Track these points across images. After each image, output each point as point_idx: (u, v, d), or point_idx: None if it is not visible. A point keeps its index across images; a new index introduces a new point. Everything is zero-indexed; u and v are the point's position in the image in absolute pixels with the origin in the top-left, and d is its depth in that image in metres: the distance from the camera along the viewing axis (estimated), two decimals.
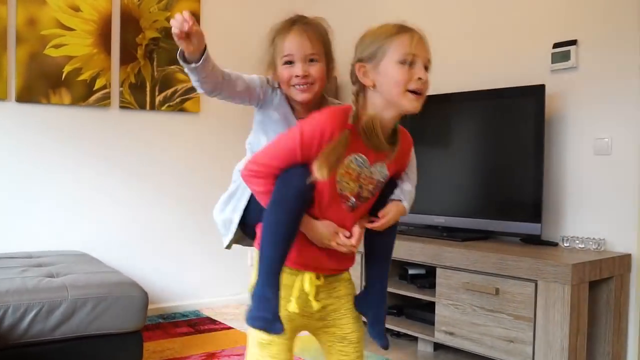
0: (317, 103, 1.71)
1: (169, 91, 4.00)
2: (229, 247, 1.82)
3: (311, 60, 1.66)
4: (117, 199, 3.86)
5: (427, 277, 3.30)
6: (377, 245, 1.71)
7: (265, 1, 4.34)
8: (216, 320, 3.80)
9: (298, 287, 1.60)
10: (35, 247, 3.55)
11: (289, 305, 1.58)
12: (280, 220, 1.50)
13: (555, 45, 3.09)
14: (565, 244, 2.97)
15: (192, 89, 4.06)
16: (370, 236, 1.68)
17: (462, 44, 3.57)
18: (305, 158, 1.49)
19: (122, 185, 3.88)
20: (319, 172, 1.47)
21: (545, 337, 2.55)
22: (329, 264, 1.63)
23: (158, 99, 3.96)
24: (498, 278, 2.73)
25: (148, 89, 3.92)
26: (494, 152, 3.22)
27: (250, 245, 1.77)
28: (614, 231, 2.90)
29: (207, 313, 3.99)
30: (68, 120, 3.68)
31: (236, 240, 1.79)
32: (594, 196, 2.97)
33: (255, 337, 1.58)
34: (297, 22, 1.68)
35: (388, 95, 1.52)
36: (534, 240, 3.04)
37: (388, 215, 1.63)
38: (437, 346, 3.29)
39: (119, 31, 3.81)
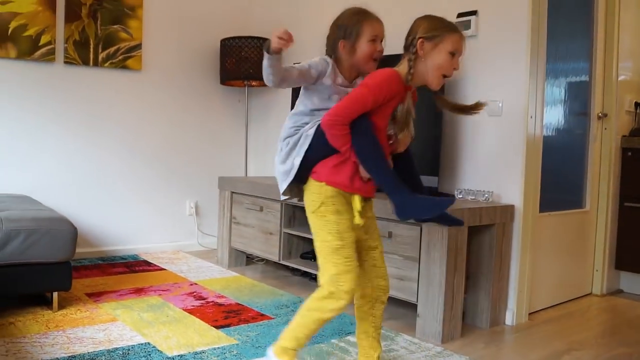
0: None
1: (112, 49, 4.25)
2: (285, 194, 2.27)
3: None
4: (62, 149, 4.13)
5: None
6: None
7: None
8: (151, 263, 4.12)
9: (355, 206, 2.14)
10: None
11: (354, 219, 2.13)
12: (380, 156, 2.07)
13: (459, 15, 3.41)
14: (459, 196, 3.32)
15: (134, 48, 4.32)
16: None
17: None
18: (374, 105, 2.06)
19: (67, 136, 4.14)
20: (401, 136, 2.15)
21: (427, 274, 2.90)
22: (366, 190, 2.17)
23: (101, 56, 4.21)
24: (391, 223, 3.07)
25: (92, 46, 4.17)
26: None
27: (300, 200, 2.28)
28: (502, 185, 3.26)
29: (144, 257, 4.31)
30: (14, 73, 3.92)
31: (292, 192, 2.28)
32: (486, 153, 3.31)
33: (330, 245, 2.10)
34: (370, 13, 2.25)
35: (430, 68, 2.12)
36: (432, 192, 3.38)
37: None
38: None
39: None
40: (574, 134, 3.82)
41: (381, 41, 2.26)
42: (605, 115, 3.84)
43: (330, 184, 2.12)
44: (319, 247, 2.14)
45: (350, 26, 2.24)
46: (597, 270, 3.92)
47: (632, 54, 3.99)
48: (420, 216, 2.09)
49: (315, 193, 2.15)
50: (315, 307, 2.11)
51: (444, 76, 2.13)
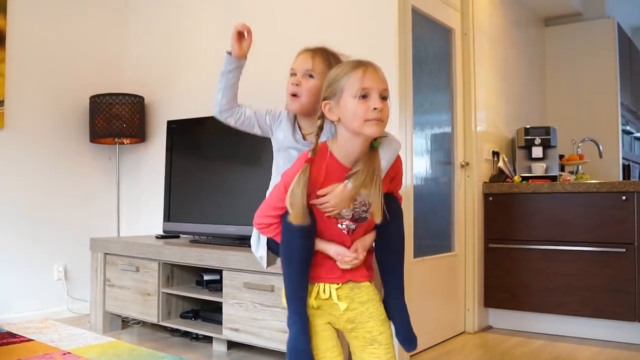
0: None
1: None
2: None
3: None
4: None
5: (220, 282, 3.56)
6: (385, 257, 1.96)
7: (74, 17, 4.49)
8: (16, 334, 3.82)
9: (315, 291, 1.88)
10: None
11: (310, 301, 1.87)
12: (294, 274, 1.81)
13: None
14: None
15: None
16: (377, 248, 1.95)
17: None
18: None
19: None
20: (293, 219, 1.74)
21: None
22: (341, 274, 1.88)
23: None
24: (273, 276, 3.06)
25: None
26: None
27: None
28: None
29: (7, 328, 4.00)
30: None
31: (271, 262, 2.14)
32: None
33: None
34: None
35: (350, 122, 1.73)
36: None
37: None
38: (230, 345, 3.57)
39: None
40: (441, 182, 4.03)
41: (311, 76, 2.01)
42: (467, 163, 4.09)
43: None
44: None
45: None
46: (468, 309, 4.10)
47: (487, 106, 4.31)
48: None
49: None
50: None
51: (367, 120, 1.70)
